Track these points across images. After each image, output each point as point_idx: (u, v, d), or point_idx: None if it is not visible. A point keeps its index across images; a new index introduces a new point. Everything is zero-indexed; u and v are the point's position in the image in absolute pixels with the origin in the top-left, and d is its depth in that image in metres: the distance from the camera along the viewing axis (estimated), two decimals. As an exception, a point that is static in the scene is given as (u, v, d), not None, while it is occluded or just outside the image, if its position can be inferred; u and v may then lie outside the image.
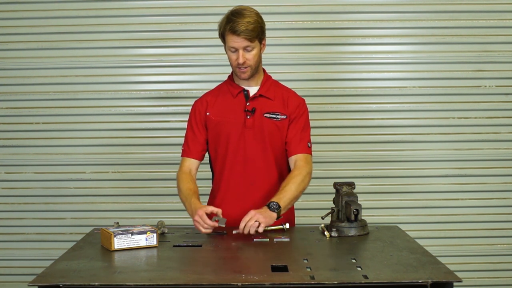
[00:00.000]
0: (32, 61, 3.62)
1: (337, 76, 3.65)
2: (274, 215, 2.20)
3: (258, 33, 2.30)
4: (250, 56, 2.31)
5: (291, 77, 3.55)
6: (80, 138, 3.65)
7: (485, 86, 3.64)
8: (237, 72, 2.36)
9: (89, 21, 3.60)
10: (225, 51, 2.38)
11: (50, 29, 3.60)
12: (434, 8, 3.60)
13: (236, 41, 2.28)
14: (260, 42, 2.35)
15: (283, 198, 2.25)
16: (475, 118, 3.65)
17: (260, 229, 2.15)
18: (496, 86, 3.64)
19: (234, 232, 2.20)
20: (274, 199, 2.24)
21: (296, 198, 2.33)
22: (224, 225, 2.19)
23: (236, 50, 2.30)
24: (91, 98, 3.64)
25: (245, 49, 2.30)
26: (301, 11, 3.60)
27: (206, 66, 3.62)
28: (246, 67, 2.33)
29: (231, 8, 2.35)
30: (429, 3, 3.60)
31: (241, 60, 2.30)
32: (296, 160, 2.40)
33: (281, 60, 3.57)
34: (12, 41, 3.62)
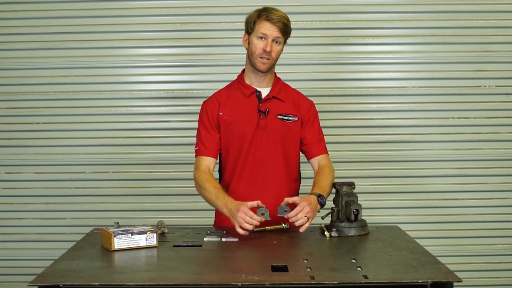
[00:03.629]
0: (32, 61, 3.63)
1: (337, 76, 3.65)
2: (318, 208, 2.25)
3: (288, 31, 2.38)
4: (276, 49, 2.36)
5: (292, 77, 3.54)
6: (80, 138, 3.65)
7: (485, 86, 3.65)
8: (257, 62, 2.36)
9: (89, 21, 3.60)
10: (245, 42, 2.40)
11: (51, 29, 3.60)
12: (434, 8, 3.60)
13: (269, 29, 2.32)
14: (285, 42, 2.40)
15: (325, 193, 2.31)
16: (475, 118, 3.65)
17: (307, 225, 2.16)
18: (496, 86, 3.64)
19: (279, 215, 2.17)
20: (322, 192, 2.28)
21: (329, 195, 2.38)
22: (269, 218, 2.15)
23: (266, 38, 2.32)
24: (91, 98, 3.64)
25: (274, 40, 2.33)
26: (301, 11, 3.61)
27: (206, 66, 3.62)
28: (268, 59, 2.35)
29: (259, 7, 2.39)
30: (429, 3, 3.60)
31: (268, 48, 2.32)
32: (320, 160, 2.46)
33: (282, 60, 3.49)
34: (12, 41, 3.62)
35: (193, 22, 3.62)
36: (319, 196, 2.25)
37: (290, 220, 2.16)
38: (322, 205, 2.26)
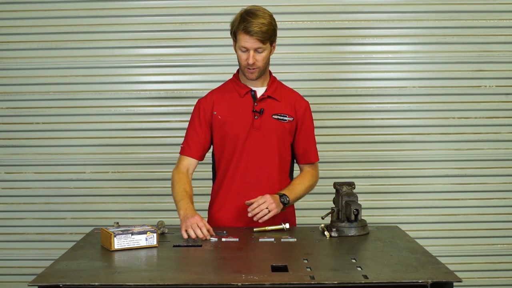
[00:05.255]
0: (32, 61, 3.62)
1: (337, 76, 3.65)
2: (281, 207, 2.33)
3: (270, 35, 2.31)
4: (260, 57, 2.32)
5: (292, 77, 3.55)
6: (80, 138, 3.65)
7: (485, 86, 3.64)
8: (245, 72, 2.37)
9: (89, 21, 3.60)
10: (234, 49, 2.38)
11: (50, 29, 3.60)
12: (434, 8, 3.60)
13: (248, 42, 2.28)
14: (271, 44, 2.36)
15: (292, 195, 2.38)
16: (475, 118, 3.65)
17: (265, 218, 2.26)
18: (496, 86, 3.64)
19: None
20: (287, 193, 2.36)
21: (300, 198, 2.47)
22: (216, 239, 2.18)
23: (247, 50, 2.30)
24: (91, 98, 3.64)
25: (256, 50, 2.30)
26: (301, 11, 3.60)
27: (206, 66, 3.62)
28: (254, 68, 2.33)
29: (244, 7, 2.35)
30: (429, 3, 3.60)
31: (251, 61, 2.30)
32: (308, 167, 2.53)
33: (282, 60, 3.57)
34: (12, 41, 3.62)
35: (193, 22, 3.62)
36: (282, 196, 2.34)
37: (250, 215, 2.26)
38: (283, 203, 2.33)
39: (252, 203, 2.27)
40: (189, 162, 2.45)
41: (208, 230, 2.17)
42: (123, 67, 3.64)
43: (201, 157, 2.49)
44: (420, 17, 3.61)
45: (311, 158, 2.53)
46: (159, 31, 3.62)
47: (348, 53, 3.65)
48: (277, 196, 2.33)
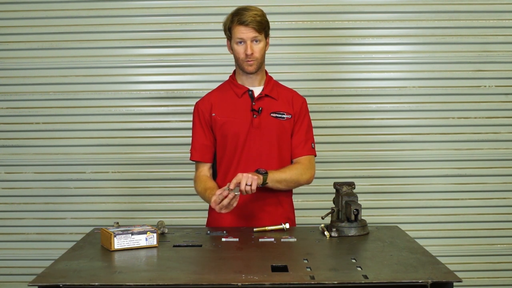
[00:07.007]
0: (32, 61, 3.63)
1: (337, 76, 3.65)
2: (261, 177, 2.26)
3: (265, 26, 2.35)
4: (257, 48, 2.35)
5: (291, 77, 3.55)
6: (80, 138, 3.65)
7: (485, 86, 3.65)
8: (244, 65, 2.38)
9: (89, 21, 3.60)
10: (230, 48, 2.41)
11: (51, 29, 3.61)
12: (434, 8, 3.61)
13: (244, 32, 2.31)
14: (266, 37, 2.39)
15: (275, 172, 2.34)
16: (475, 118, 3.65)
17: (253, 187, 2.19)
18: (496, 86, 3.64)
19: (232, 190, 2.19)
20: (269, 172, 2.32)
21: (284, 182, 2.38)
22: (238, 193, 2.17)
23: (244, 42, 2.33)
24: (91, 98, 3.64)
25: (252, 40, 2.33)
26: (301, 11, 3.61)
27: (206, 66, 3.63)
28: (253, 60, 2.35)
29: (234, 9, 2.38)
30: (429, 3, 3.60)
31: (249, 51, 2.32)
32: (300, 159, 2.47)
33: (281, 60, 3.57)
34: (12, 41, 3.62)
35: (193, 22, 3.63)
36: (257, 170, 2.28)
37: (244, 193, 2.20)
38: (261, 173, 2.27)
39: (232, 186, 2.19)
40: (203, 167, 2.49)
41: (226, 197, 2.14)
42: (123, 67, 3.64)
43: (211, 159, 2.50)
44: (420, 17, 3.61)
45: (302, 152, 2.47)
46: (159, 31, 3.62)
47: (348, 53, 3.65)
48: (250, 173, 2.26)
